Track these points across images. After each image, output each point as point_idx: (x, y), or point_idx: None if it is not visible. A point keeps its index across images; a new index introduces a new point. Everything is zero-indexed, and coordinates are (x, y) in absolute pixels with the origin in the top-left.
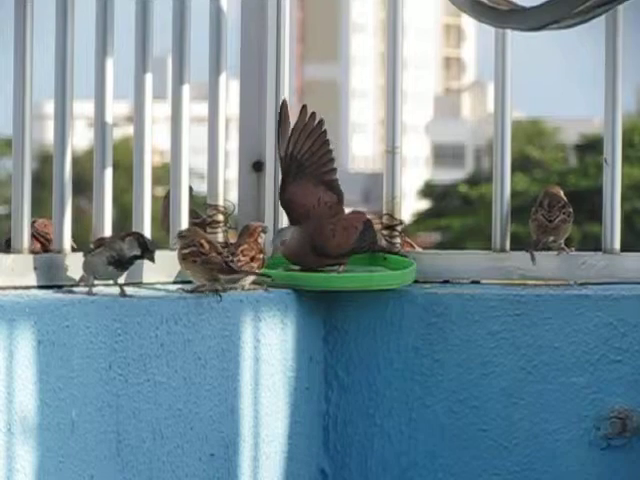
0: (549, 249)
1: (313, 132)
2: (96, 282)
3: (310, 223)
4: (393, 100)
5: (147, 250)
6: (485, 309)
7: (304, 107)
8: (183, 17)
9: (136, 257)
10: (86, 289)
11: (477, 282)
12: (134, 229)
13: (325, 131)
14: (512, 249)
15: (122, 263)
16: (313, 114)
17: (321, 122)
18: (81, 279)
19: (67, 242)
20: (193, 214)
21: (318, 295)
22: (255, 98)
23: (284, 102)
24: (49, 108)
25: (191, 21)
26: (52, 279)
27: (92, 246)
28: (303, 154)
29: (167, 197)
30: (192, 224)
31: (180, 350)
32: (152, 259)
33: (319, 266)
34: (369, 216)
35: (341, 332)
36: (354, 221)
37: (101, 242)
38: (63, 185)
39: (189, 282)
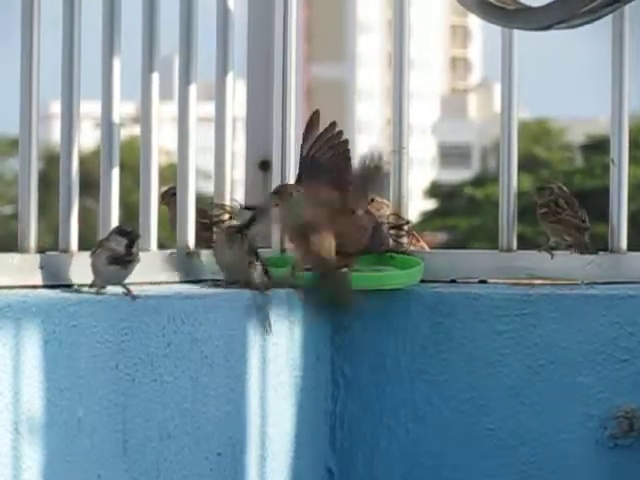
0: (553, 249)
1: (338, 146)
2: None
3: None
4: (399, 100)
5: (131, 232)
6: (492, 308)
7: (334, 123)
8: (190, 17)
9: (129, 246)
10: (94, 289)
11: (484, 281)
12: (141, 229)
13: (349, 150)
14: (519, 248)
15: (122, 260)
16: (340, 132)
17: (346, 142)
18: (92, 283)
19: (74, 242)
20: (202, 213)
21: None
22: (262, 98)
23: (317, 111)
24: (56, 108)
25: (198, 21)
26: (59, 278)
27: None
28: (325, 161)
29: (164, 196)
30: (200, 224)
31: (187, 349)
32: (137, 235)
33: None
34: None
35: (348, 331)
36: (365, 222)
37: (100, 243)
38: (70, 185)
39: (193, 281)
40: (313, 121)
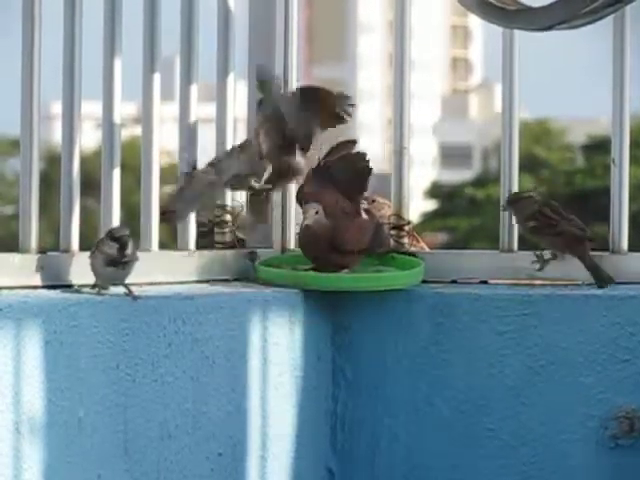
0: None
1: (357, 165)
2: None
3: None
4: (401, 101)
5: (121, 238)
6: (493, 309)
7: (354, 142)
8: (191, 18)
9: (122, 249)
10: (95, 289)
11: (485, 282)
12: (141, 230)
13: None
14: (519, 249)
15: (118, 262)
16: (364, 155)
17: (369, 169)
18: (94, 284)
19: (75, 242)
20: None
21: (326, 295)
22: None
23: (355, 140)
24: (57, 109)
25: (199, 21)
26: (60, 279)
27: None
28: (338, 177)
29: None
30: (200, 224)
31: (188, 350)
32: (127, 241)
33: (329, 264)
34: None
35: (349, 332)
36: (366, 223)
37: (96, 245)
38: (71, 185)
39: (197, 281)
40: (347, 145)
